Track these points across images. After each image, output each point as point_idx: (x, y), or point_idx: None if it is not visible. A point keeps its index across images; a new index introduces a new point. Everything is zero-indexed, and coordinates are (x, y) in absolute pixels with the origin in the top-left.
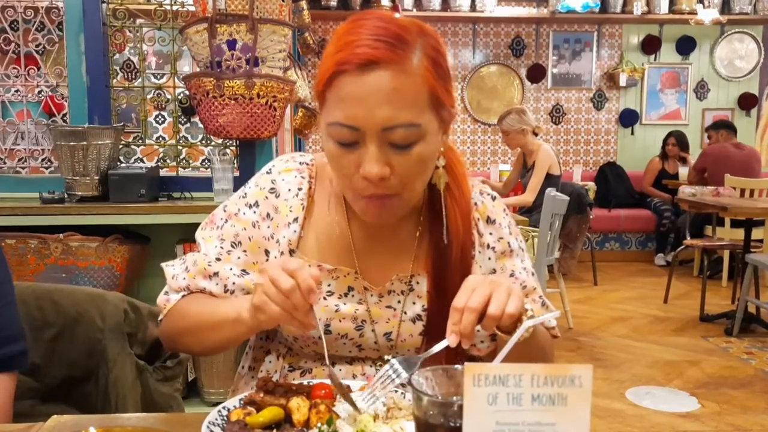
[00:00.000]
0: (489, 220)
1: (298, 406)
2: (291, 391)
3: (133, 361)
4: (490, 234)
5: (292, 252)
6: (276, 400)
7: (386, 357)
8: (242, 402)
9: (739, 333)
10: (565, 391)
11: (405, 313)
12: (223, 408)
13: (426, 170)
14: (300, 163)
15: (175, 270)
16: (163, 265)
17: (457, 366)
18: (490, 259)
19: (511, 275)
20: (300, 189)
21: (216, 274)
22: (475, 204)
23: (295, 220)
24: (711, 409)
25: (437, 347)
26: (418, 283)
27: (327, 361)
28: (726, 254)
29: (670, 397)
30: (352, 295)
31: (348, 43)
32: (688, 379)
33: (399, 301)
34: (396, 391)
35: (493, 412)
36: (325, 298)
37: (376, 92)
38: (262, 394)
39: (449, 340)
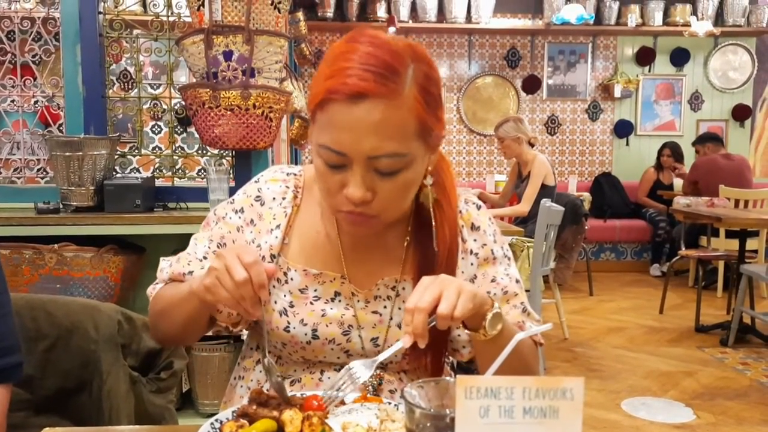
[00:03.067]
0: (473, 227)
1: (291, 419)
2: (284, 402)
3: (126, 372)
4: (474, 240)
5: (273, 257)
6: (269, 412)
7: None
8: (235, 414)
9: (734, 344)
10: (557, 404)
11: (391, 318)
12: (216, 420)
13: (409, 193)
14: (287, 174)
15: (165, 264)
16: (161, 259)
17: (449, 378)
18: (472, 264)
19: (492, 281)
20: (284, 198)
21: (191, 272)
22: (460, 212)
23: (278, 226)
24: (706, 420)
25: (392, 349)
26: (404, 288)
27: (266, 346)
28: (721, 265)
29: (666, 408)
30: (339, 300)
31: (340, 70)
32: (683, 389)
33: (385, 307)
34: (390, 402)
35: (485, 424)
36: (312, 303)
37: (364, 123)
38: (254, 407)
39: (403, 341)
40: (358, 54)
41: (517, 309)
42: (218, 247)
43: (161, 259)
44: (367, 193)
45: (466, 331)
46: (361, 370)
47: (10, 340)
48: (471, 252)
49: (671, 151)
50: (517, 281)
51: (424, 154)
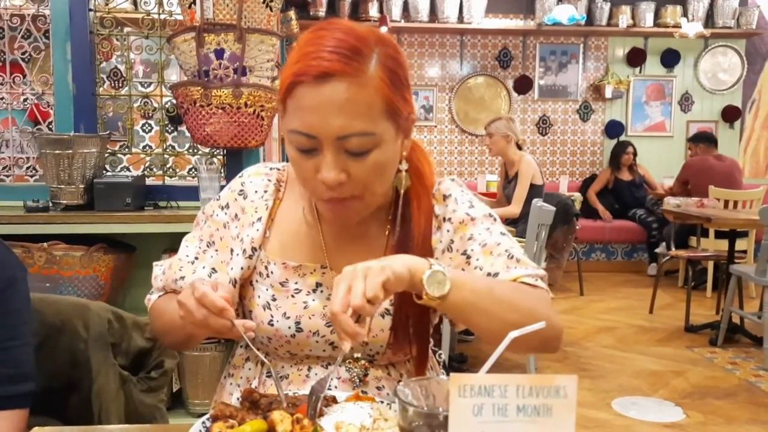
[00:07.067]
0: (444, 197)
1: (282, 418)
2: (276, 401)
3: (116, 371)
4: (446, 207)
5: (254, 250)
6: (246, 412)
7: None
8: (213, 411)
9: (723, 343)
10: (550, 402)
11: None
12: (207, 419)
13: (384, 175)
14: (270, 168)
15: (158, 271)
16: (154, 264)
17: (442, 376)
18: (448, 231)
19: (470, 238)
20: (266, 191)
21: (182, 278)
22: (433, 194)
23: (259, 219)
24: (696, 419)
25: (339, 358)
26: None
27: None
28: (710, 265)
29: (656, 407)
30: (321, 291)
31: (306, 54)
32: (673, 389)
33: None
34: (382, 402)
35: (479, 423)
36: (293, 296)
37: (331, 103)
38: (231, 409)
39: (343, 347)
40: (324, 39)
41: (501, 257)
42: (207, 246)
43: (154, 264)
44: (340, 175)
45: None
46: (319, 387)
47: (28, 367)
48: (444, 219)
49: (634, 149)
50: (503, 234)
51: (394, 136)
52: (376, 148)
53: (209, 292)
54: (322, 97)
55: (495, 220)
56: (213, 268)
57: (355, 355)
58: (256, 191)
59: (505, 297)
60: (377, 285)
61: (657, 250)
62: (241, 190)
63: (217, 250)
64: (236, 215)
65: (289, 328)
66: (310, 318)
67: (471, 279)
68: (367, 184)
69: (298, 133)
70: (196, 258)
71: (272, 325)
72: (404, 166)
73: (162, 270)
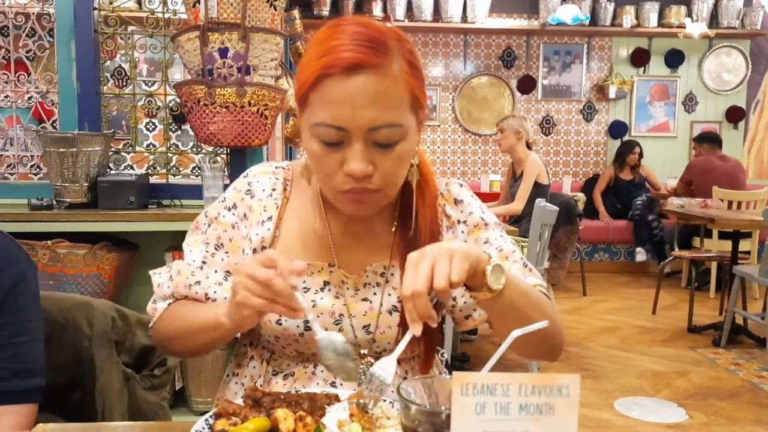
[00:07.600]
0: (456, 201)
1: (285, 416)
2: (279, 400)
3: (120, 369)
4: (461, 212)
5: (264, 249)
6: (249, 410)
7: (359, 370)
8: (216, 408)
9: (726, 344)
10: (553, 401)
11: (381, 305)
12: (211, 417)
13: (405, 167)
14: (276, 167)
15: (161, 278)
16: (150, 272)
17: (445, 375)
18: (463, 232)
19: (486, 242)
20: (274, 189)
21: (198, 282)
22: (441, 194)
23: (269, 218)
24: (699, 420)
25: (405, 340)
26: (392, 274)
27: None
28: (714, 266)
29: (659, 407)
30: (329, 290)
31: (332, 48)
32: (676, 389)
33: (375, 293)
34: (385, 400)
35: (481, 421)
36: (301, 295)
37: (362, 94)
38: (233, 407)
39: (413, 330)
40: (347, 33)
41: (517, 264)
42: (215, 249)
43: (151, 273)
44: (368, 167)
45: (470, 293)
46: (385, 370)
47: (38, 363)
48: (459, 221)
49: (641, 149)
50: (512, 242)
51: (416, 129)
52: (402, 140)
53: (283, 257)
54: (351, 89)
55: (500, 226)
56: (227, 272)
57: (362, 351)
58: (263, 190)
59: (538, 302)
60: (464, 270)
61: (636, 254)
62: (248, 190)
63: (227, 252)
64: (245, 215)
65: (298, 326)
66: (318, 316)
67: (517, 278)
68: (390, 177)
69: (327, 126)
70: (204, 262)
71: (280, 324)
72: (416, 160)
73: (169, 276)
